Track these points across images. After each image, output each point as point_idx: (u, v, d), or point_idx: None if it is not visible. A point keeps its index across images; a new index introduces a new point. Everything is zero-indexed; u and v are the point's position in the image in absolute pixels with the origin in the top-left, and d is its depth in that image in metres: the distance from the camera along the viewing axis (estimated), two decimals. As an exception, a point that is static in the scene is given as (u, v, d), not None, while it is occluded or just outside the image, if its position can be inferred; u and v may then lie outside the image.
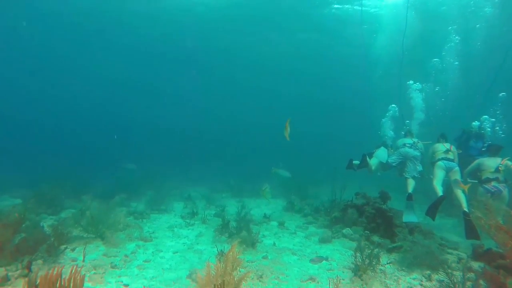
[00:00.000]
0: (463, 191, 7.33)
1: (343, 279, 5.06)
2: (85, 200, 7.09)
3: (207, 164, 23.08)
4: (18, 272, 4.87)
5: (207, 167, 21.51)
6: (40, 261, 5.37)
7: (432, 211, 7.18)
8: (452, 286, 4.30)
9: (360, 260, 5.46)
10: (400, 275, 5.36)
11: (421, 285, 4.99)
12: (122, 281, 4.91)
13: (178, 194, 13.09)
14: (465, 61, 15.41)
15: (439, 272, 5.25)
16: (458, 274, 4.93)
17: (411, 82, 11.95)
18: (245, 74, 32.85)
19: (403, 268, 5.64)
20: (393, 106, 11.89)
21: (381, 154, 9.25)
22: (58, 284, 3.56)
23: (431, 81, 14.40)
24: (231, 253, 4.40)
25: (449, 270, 4.59)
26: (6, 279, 4.62)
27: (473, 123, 9.32)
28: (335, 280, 4.87)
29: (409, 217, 7.60)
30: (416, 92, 11.68)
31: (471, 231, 6.45)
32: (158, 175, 14.76)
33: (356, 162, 9.02)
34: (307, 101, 37.79)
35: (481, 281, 4.37)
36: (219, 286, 3.55)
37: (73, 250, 6.02)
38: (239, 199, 12.06)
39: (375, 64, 21.97)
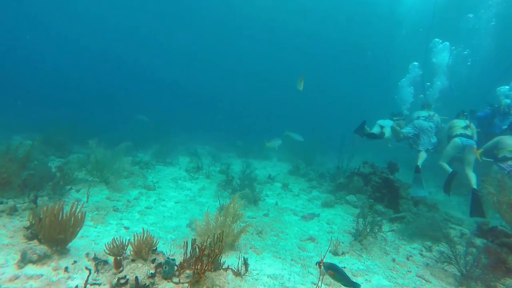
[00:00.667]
0: (474, 172, 7.09)
1: (342, 242, 5.03)
2: (91, 145, 7.09)
3: (216, 124, 23.02)
4: (25, 205, 4.96)
5: (216, 127, 21.46)
6: (46, 198, 5.44)
7: (446, 188, 7.07)
8: (453, 257, 4.21)
9: (362, 225, 5.40)
10: (400, 244, 5.31)
11: (421, 254, 4.93)
12: (123, 224, 4.98)
13: (184, 150, 13.12)
14: (504, 23, 13.47)
15: (441, 243, 5.17)
16: (460, 247, 4.83)
17: (437, 40, 10.61)
18: (261, 34, 31.60)
19: (404, 237, 5.59)
20: (414, 65, 10.72)
21: (386, 123, 8.86)
22: (60, 217, 3.57)
23: (460, 43, 12.69)
24: (232, 206, 4.35)
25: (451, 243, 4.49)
26: (14, 209, 4.72)
27: (505, 100, 8.57)
28: (334, 242, 4.85)
29: (417, 191, 7.43)
30: (442, 53, 10.38)
31: (477, 208, 6.33)
32: (167, 130, 14.77)
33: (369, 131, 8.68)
34: (323, 64, 36.24)
35: (482, 256, 4.27)
36: (218, 236, 3.51)
37: (78, 191, 6.09)
38: (245, 159, 12.03)
39: (400, 22, 19.83)
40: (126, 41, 35.51)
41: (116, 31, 33.52)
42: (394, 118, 9.15)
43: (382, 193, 8.01)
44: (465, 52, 12.82)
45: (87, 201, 5.61)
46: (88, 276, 3.00)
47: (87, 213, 5.15)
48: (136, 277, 2.99)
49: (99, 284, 3.13)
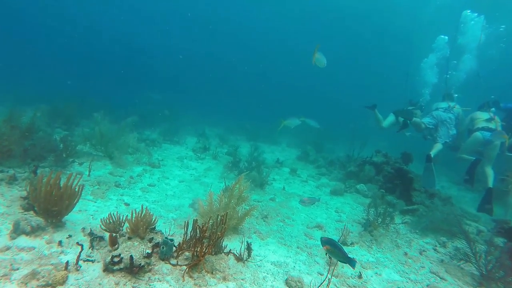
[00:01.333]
0: (493, 169, 6.69)
1: (351, 232, 4.77)
2: (96, 117, 6.90)
3: (227, 106, 22.71)
4: (25, 174, 4.83)
5: (227, 109, 21.14)
6: (47, 169, 5.30)
7: (469, 177, 6.73)
8: (471, 256, 3.92)
9: (373, 216, 5.13)
10: (412, 237, 5.02)
11: (435, 249, 4.64)
12: (123, 200, 4.81)
13: (193, 130, 12.91)
14: None
15: (456, 239, 4.87)
16: (479, 246, 4.53)
17: (467, 12, 9.18)
18: (275, 14, 30.63)
19: (417, 231, 5.29)
20: (442, 39, 9.50)
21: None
22: (56, 189, 3.38)
23: (495, 18, 10.83)
24: (237, 187, 4.10)
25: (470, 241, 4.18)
26: (14, 178, 4.58)
27: None
28: (343, 231, 4.59)
29: (427, 182, 7.06)
30: (473, 29, 9.01)
31: (486, 205, 6.17)
32: (177, 109, 14.58)
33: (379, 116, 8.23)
34: (337, 45, 34.96)
35: (505, 257, 3.97)
36: (221, 218, 3.29)
37: (80, 164, 5.94)
38: (253, 142, 11.77)
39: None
40: (143, 18, 34.99)
41: (131, 7, 32.97)
42: (410, 108, 8.63)
43: (394, 184, 7.68)
44: (501, 29, 11.11)
45: (89, 175, 5.45)
46: (80, 252, 2.82)
47: (87, 186, 5.00)
48: (131, 256, 2.80)
49: (92, 261, 2.95)
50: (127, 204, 4.64)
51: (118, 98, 16.05)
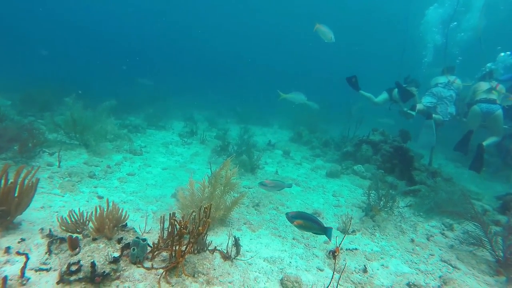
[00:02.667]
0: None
1: (351, 218, 4.35)
2: (68, 102, 6.24)
3: (216, 89, 21.90)
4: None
5: (216, 92, 20.37)
6: (10, 161, 4.70)
7: (461, 146, 6.32)
8: (486, 240, 3.53)
9: (374, 199, 4.72)
10: (417, 221, 4.64)
11: (442, 234, 4.26)
12: (96, 192, 4.27)
13: (180, 114, 12.26)
14: None
15: (463, 221, 4.51)
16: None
17: None
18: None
19: (421, 213, 4.91)
20: None
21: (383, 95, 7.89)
22: (1, 185, 2.83)
23: None
24: (222, 172, 3.60)
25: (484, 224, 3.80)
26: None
27: None
28: (343, 218, 4.17)
29: (426, 140, 6.64)
30: None
31: (477, 163, 5.93)
32: (164, 93, 13.84)
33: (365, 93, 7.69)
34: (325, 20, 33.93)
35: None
36: (205, 209, 2.79)
37: (51, 154, 5.34)
38: (244, 125, 11.24)
39: None
40: (132, 3, 33.30)
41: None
42: (405, 86, 8.03)
43: (393, 164, 7.29)
44: None
45: (58, 166, 4.88)
46: (26, 263, 2.30)
47: (56, 179, 4.45)
48: (93, 263, 2.30)
49: (47, 270, 2.45)
50: (100, 197, 4.10)
51: (103, 85, 15.17)
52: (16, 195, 2.88)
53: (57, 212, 3.49)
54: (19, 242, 2.76)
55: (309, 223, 2.73)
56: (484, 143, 6.01)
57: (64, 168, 4.88)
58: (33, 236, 2.90)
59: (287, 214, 2.82)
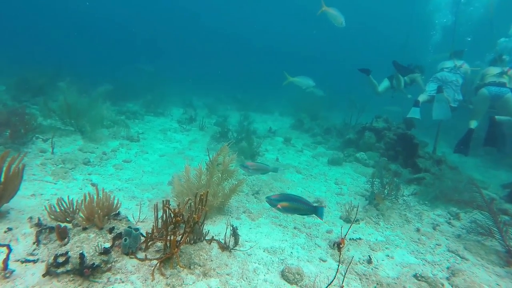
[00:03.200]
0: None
1: (355, 206, 4.20)
2: (61, 87, 6.03)
3: (216, 75, 21.55)
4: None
5: (217, 80, 20.02)
6: (1, 147, 4.53)
7: (460, 147, 6.06)
8: (495, 229, 3.39)
9: (378, 187, 4.56)
10: (422, 210, 4.49)
11: (448, 223, 4.12)
12: (91, 179, 4.12)
13: (180, 101, 12.00)
14: None
15: (469, 210, 4.38)
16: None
17: None
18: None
19: (426, 202, 4.76)
20: None
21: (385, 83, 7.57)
22: (-14, 172, 2.67)
23: None
24: (220, 159, 3.43)
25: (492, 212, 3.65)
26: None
27: None
28: (346, 206, 4.02)
29: (441, 113, 6.36)
30: None
31: (492, 138, 5.73)
32: (164, 80, 13.54)
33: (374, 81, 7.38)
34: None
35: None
36: (201, 197, 2.64)
37: (45, 140, 5.17)
38: (244, 112, 11.03)
39: None
40: None
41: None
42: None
43: (396, 151, 7.12)
44: None
45: (52, 152, 4.71)
46: (8, 254, 2.15)
47: (49, 165, 4.29)
48: (82, 254, 2.16)
49: (34, 262, 2.31)
50: (94, 185, 3.95)
51: (101, 71, 14.85)
52: (1, 181, 2.72)
53: (48, 200, 3.35)
54: (5, 232, 2.62)
55: (296, 204, 2.58)
56: (497, 117, 5.83)
57: (57, 154, 4.72)
58: (21, 225, 2.76)
59: (268, 198, 2.64)
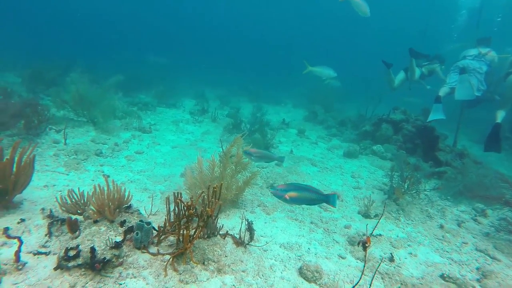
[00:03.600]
0: None
1: (373, 201, 4.03)
2: (73, 78, 5.99)
3: (228, 67, 21.33)
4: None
5: (229, 71, 19.81)
6: (16, 138, 4.52)
7: (490, 145, 5.69)
8: (528, 228, 3.18)
9: (397, 181, 4.36)
10: (444, 205, 4.28)
11: (474, 220, 3.90)
12: (102, 170, 4.07)
13: (192, 92, 11.90)
14: None
15: (496, 207, 4.13)
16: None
17: None
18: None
19: (448, 197, 4.54)
20: None
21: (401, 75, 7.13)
22: (-2, 163, 2.62)
23: None
24: (234, 150, 3.31)
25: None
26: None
27: None
28: (365, 201, 3.85)
29: (464, 93, 6.02)
30: None
31: (493, 142, 5.45)
32: (176, 71, 13.47)
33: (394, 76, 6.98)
34: None
35: None
36: (215, 189, 2.53)
37: (58, 131, 5.15)
38: (256, 103, 10.85)
39: None
40: None
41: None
42: (424, 64, 7.21)
43: (415, 144, 6.86)
44: None
45: (64, 143, 4.68)
46: (19, 247, 2.09)
47: (62, 156, 4.26)
48: (92, 248, 2.08)
49: (46, 254, 2.25)
50: (106, 176, 3.89)
51: (114, 62, 14.86)
52: (13, 172, 2.67)
53: (60, 191, 3.30)
54: (18, 223, 2.58)
55: (305, 193, 2.39)
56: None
57: (70, 145, 4.69)
58: (34, 217, 2.72)
59: (273, 188, 2.45)
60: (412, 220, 3.73)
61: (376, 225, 2.77)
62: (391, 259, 2.79)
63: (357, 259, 2.81)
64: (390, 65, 6.49)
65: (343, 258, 2.80)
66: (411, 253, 2.98)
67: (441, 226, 3.59)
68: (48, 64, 9.40)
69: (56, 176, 3.66)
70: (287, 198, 2.41)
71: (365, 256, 2.02)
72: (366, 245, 1.74)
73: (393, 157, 6.18)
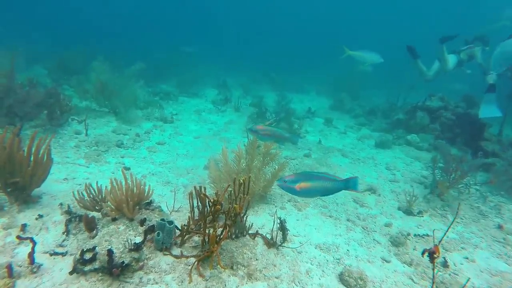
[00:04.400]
0: None
1: (414, 196, 3.63)
2: (95, 66, 5.87)
3: (250, 54, 20.86)
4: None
5: (250, 58, 19.36)
6: (40, 129, 4.45)
7: None
8: None
9: (440, 174, 3.92)
10: (497, 201, 3.80)
11: (536, 219, 3.42)
12: (123, 163, 3.90)
13: (214, 81, 11.64)
14: None
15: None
16: None
17: None
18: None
19: (501, 192, 4.04)
20: None
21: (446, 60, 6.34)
22: (13, 154, 2.46)
23: None
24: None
25: None
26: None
27: None
28: (406, 196, 3.46)
29: (487, 111, 5.42)
30: None
31: None
32: (197, 60, 13.22)
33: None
34: None
35: None
36: (242, 183, 2.26)
37: (80, 122, 5.04)
38: (279, 92, 10.46)
39: None
40: None
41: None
42: (463, 49, 6.43)
43: (455, 133, 6.29)
44: None
45: (86, 134, 4.57)
46: (33, 248, 1.91)
47: (83, 147, 4.14)
48: (110, 251, 1.87)
49: (63, 255, 2.07)
50: (127, 168, 3.73)
51: (137, 51, 14.80)
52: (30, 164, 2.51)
53: (80, 184, 3.14)
54: (36, 219, 2.43)
55: (319, 182, 2.03)
56: None
57: (91, 136, 4.57)
58: (53, 212, 2.56)
59: (280, 181, 2.11)
60: (461, 218, 3.31)
61: (448, 230, 2.38)
62: (445, 265, 2.43)
63: (404, 263, 2.47)
64: (416, 54, 5.88)
65: (387, 261, 2.47)
66: (467, 258, 2.59)
67: (500, 226, 3.15)
68: (72, 54, 9.43)
69: (76, 169, 3.52)
70: (298, 189, 2.07)
71: (433, 270, 1.68)
72: (435, 255, 1.40)
73: (432, 147, 5.68)
